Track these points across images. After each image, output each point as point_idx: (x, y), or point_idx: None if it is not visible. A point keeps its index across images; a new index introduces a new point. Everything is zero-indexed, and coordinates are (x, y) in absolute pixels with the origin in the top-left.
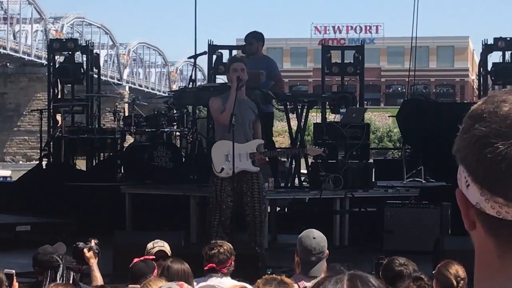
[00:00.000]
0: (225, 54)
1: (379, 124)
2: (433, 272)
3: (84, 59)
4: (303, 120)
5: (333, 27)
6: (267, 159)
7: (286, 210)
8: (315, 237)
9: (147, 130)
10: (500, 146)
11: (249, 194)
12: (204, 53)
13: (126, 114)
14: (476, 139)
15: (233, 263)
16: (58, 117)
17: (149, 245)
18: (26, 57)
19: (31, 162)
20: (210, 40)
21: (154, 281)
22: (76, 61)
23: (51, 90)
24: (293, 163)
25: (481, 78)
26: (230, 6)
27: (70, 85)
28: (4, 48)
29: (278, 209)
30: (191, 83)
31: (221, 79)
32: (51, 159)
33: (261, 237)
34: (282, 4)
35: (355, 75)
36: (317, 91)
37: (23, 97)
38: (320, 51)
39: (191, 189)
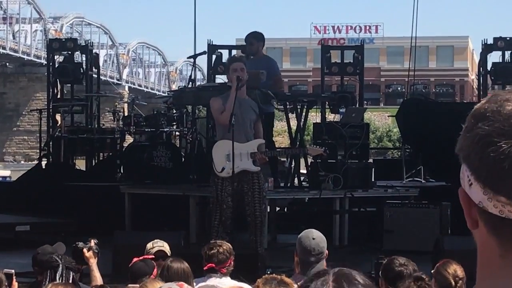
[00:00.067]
0: (225, 54)
1: (378, 124)
2: (432, 271)
3: (84, 59)
4: (302, 120)
5: (333, 27)
6: (267, 159)
7: (285, 210)
8: (315, 237)
9: (146, 130)
10: (503, 145)
11: (250, 194)
12: (204, 53)
13: (126, 114)
14: (479, 138)
15: (232, 263)
16: (58, 117)
17: (149, 245)
18: (25, 57)
19: (32, 162)
20: (210, 40)
21: (151, 282)
22: (75, 61)
23: (51, 90)
24: (293, 163)
25: (481, 78)
26: (229, 6)
27: (70, 85)
28: (4, 48)
29: (277, 209)
30: (190, 83)
31: (220, 79)
32: (51, 159)
33: (261, 237)
34: (282, 4)
35: (354, 75)
36: (316, 91)
37: (23, 97)
38: (320, 51)
39: (191, 189)
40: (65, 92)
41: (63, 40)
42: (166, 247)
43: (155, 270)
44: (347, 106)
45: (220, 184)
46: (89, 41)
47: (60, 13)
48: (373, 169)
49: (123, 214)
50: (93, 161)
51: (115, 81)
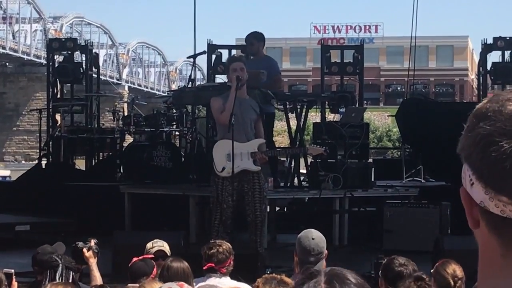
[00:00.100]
0: (225, 54)
1: (378, 123)
2: (431, 271)
3: (83, 58)
4: (302, 119)
5: (333, 26)
6: (267, 159)
7: (285, 209)
8: (314, 237)
9: (146, 129)
10: (504, 145)
11: (250, 194)
12: (204, 52)
13: (126, 113)
14: (480, 138)
15: (232, 262)
16: (58, 116)
17: (149, 245)
18: (25, 56)
19: (33, 162)
20: (210, 39)
21: (149, 283)
22: (75, 61)
23: (50, 90)
24: (293, 162)
25: (481, 77)
26: (229, 6)
27: (70, 84)
28: (3, 48)
29: (277, 208)
30: (190, 82)
31: (220, 78)
32: (51, 159)
33: (261, 237)
34: (282, 3)
35: (354, 74)
36: (316, 90)
37: (22, 96)
38: (320, 51)
39: (191, 188)
40: (65, 92)
41: (63, 40)
42: (166, 247)
43: (155, 269)
44: (347, 106)
45: (221, 184)
46: (89, 41)
47: (60, 13)
48: (373, 169)
49: (123, 214)
50: (93, 161)
51: (115, 81)
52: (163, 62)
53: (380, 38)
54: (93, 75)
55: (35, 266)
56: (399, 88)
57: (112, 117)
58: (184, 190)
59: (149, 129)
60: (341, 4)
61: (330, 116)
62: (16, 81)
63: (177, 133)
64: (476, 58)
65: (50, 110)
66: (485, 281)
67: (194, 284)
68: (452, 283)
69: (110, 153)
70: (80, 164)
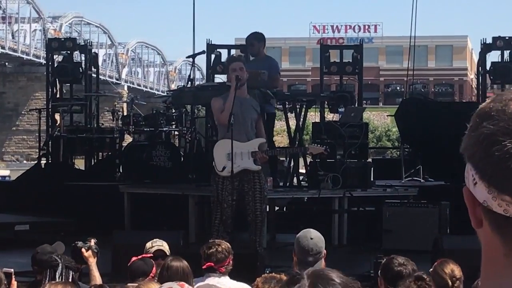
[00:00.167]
0: (224, 54)
1: (377, 123)
2: (430, 270)
3: (83, 58)
4: (301, 119)
5: (332, 26)
6: (267, 158)
7: (284, 209)
8: (313, 237)
9: (145, 129)
10: (508, 144)
11: (251, 194)
12: (203, 52)
13: (125, 113)
14: (484, 137)
15: (231, 262)
16: (57, 116)
17: (148, 244)
18: (24, 56)
19: (34, 162)
20: (209, 39)
21: (147, 284)
22: (74, 61)
23: (50, 90)
24: (292, 162)
25: (480, 77)
26: (228, 6)
27: (69, 84)
28: (3, 48)
29: (276, 208)
30: (189, 82)
31: (219, 78)
32: (50, 159)
33: (261, 237)
34: (281, 3)
35: (353, 74)
36: (315, 90)
37: (22, 96)
38: (319, 51)
39: (190, 188)
40: (64, 91)
41: (62, 39)
42: (165, 247)
43: (154, 269)
44: (346, 106)
45: (221, 183)
46: (88, 41)
47: (59, 13)
48: (372, 168)
49: (122, 213)
50: (92, 160)
51: (114, 80)
52: (163, 62)
53: (379, 38)
54: (93, 74)
55: (34, 265)
56: (398, 88)
57: (111, 117)
58: (183, 189)
59: (148, 129)
60: (341, 4)
61: (329, 116)
62: (15, 80)
63: (176, 132)
64: (475, 58)
65: (50, 109)
66: (488, 281)
67: (194, 283)
68: (450, 283)
69: (110, 153)
70: (80, 163)
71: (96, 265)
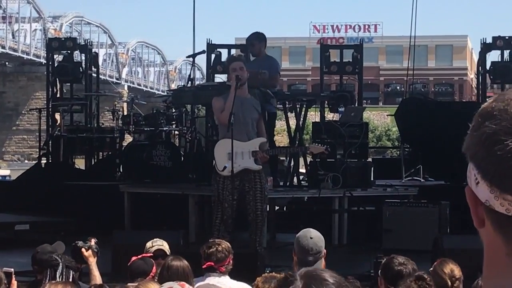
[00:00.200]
0: (224, 53)
1: (377, 123)
2: (430, 270)
3: (83, 58)
4: (301, 119)
5: (332, 26)
6: (268, 158)
7: (285, 209)
8: (312, 237)
9: (145, 129)
10: (510, 144)
11: (251, 193)
12: (203, 52)
13: (125, 113)
14: (486, 137)
15: (231, 261)
16: (57, 116)
17: (148, 244)
18: (25, 56)
19: (35, 162)
20: (209, 39)
21: (145, 284)
22: (75, 60)
23: (50, 89)
24: (292, 162)
25: (480, 77)
26: (228, 5)
27: (69, 84)
28: (3, 47)
29: (277, 208)
30: (189, 82)
31: (219, 78)
32: (50, 158)
33: (261, 236)
34: (281, 3)
35: (353, 74)
36: (315, 90)
37: (22, 96)
38: (319, 50)
39: (190, 188)
40: (65, 91)
41: (63, 39)
42: (165, 246)
43: (154, 268)
44: (346, 105)
45: (222, 183)
46: (88, 40)
47: (60, 12)
48: (372, 168)
49: (123, 213)
50: (93, 160)
51: (114, 80)
52: (163, 62)
53: (379, 38)
54: (93, 74)
55: (34, 265)
56: (398, 88)
57: (111, 117)
58: (183, 189)
59: (148, 129)
60: (341, 4)
61: (330, 116)
62: (15, 80)
63: (176, 132)
64: (475, 58)
65: (50, 109)
66: (490, 281)
67: (194, 283)
68: (449, 283)
69: (110, 153)
70: (80, 163)
71: (96, 265)
